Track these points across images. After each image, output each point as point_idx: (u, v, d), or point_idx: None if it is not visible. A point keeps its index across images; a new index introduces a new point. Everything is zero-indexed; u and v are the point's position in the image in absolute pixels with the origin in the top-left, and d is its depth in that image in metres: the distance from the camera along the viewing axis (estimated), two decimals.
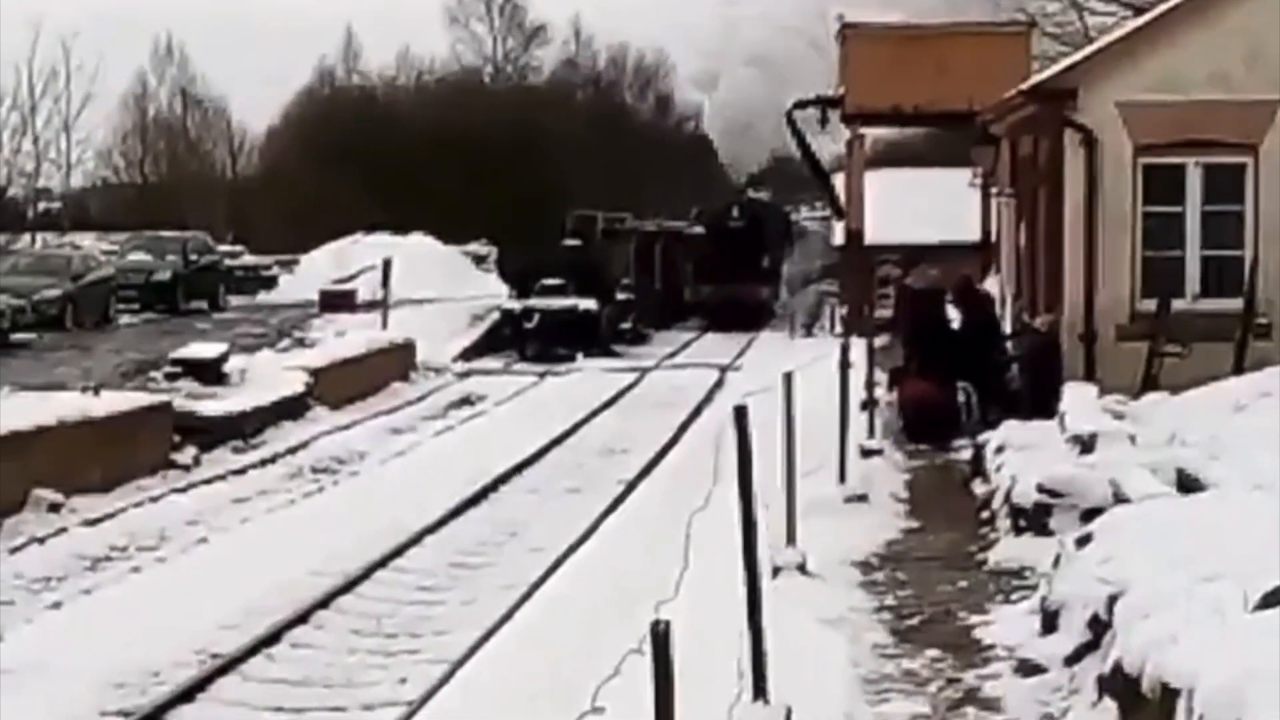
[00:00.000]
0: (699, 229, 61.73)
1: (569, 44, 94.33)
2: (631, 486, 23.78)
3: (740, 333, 53.00)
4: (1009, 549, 15.58)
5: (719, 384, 36.75)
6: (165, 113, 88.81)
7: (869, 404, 22.60)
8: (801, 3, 59.59)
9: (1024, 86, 26.14)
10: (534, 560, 19.16)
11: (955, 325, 25.88)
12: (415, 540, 20.57)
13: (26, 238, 68.77)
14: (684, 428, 29.90)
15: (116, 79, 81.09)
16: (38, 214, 76.78)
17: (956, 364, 24.00)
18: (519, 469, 25.91)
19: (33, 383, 28.72)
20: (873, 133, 47.67)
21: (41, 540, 20.23)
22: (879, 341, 26.47)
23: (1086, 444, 17.16)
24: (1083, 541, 12.13)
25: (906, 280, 25.51)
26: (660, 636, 7.06)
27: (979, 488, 18.60)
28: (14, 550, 19.73)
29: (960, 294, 26.18)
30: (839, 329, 39.01)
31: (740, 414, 10.26)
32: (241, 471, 25.77)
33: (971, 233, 39.87)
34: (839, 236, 48.47)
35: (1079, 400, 19.29)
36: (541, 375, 40.48)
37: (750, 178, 68.05)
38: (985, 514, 17.34)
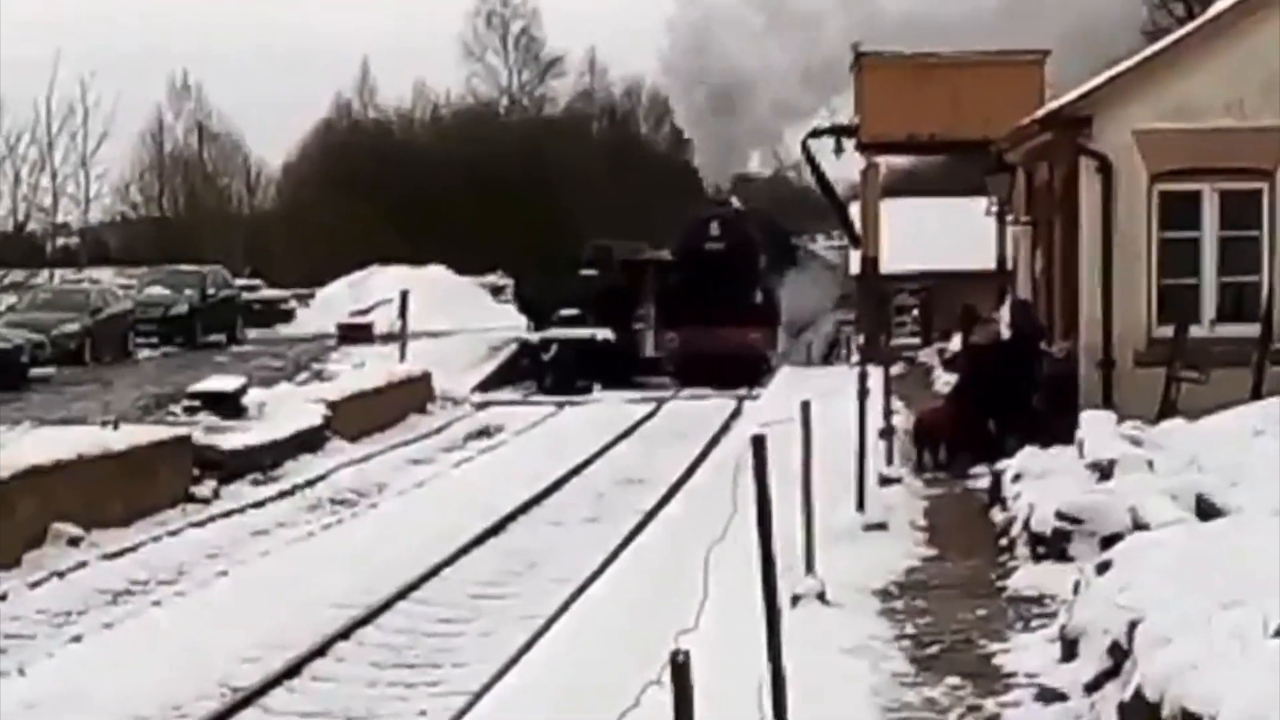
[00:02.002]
0: (665, 254, 49.46)
1: (584, 76, 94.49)
2: (650, 516, 23.78)
3: (719, 393, 41.37)
4: (1028, 576, 15.56)
5: (736, 413, 36.75)
6: (182, 147, 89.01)
7: (887, 432, 22.59)
8: None
9: (1039, 114, 26.16)
10: (553, 591, 19.17)
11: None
12: (434, 572, 20.59)
13: (45, 273, 68.92)
14: (702, 457, 29.89)
15: (134, 114, 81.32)
16: (56, 249, 76.97)
17: (993, 395, 23.75)
18: (538, 500, 25.93)
19: (52, 417, 28.81)
20: (888, 161, 47.64)
21: (62, 574, 20.28)
22: (895, 370, 26.43)
23: (1105, 470, 17.14)
24: (1102, 568, 12.12)
25: (972, 338, 25.21)
26: (680, 667, 7.07)
27: (998, 515, 18.58)
28: (34, 584, 19.78)
29: (1016, 317, 25.87)
30: (856, 358, 38.94)
31: (758, 443, 10.27)
32: (261, 504, 25.82)
33: (988, 261, 39.78)
34: (855, 265, 48.44)
35: (1097, 427, 19.26)
36: (560, 405, 40.53)
37: (737, 180, 58.44)
38: (1004, 541, 17.33)
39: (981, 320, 26.07)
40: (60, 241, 78.58)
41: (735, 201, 52.79)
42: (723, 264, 46.51)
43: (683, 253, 48.34)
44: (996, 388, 23.49)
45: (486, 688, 14.47)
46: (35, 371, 38.87)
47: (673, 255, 48.80)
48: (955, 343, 34.81)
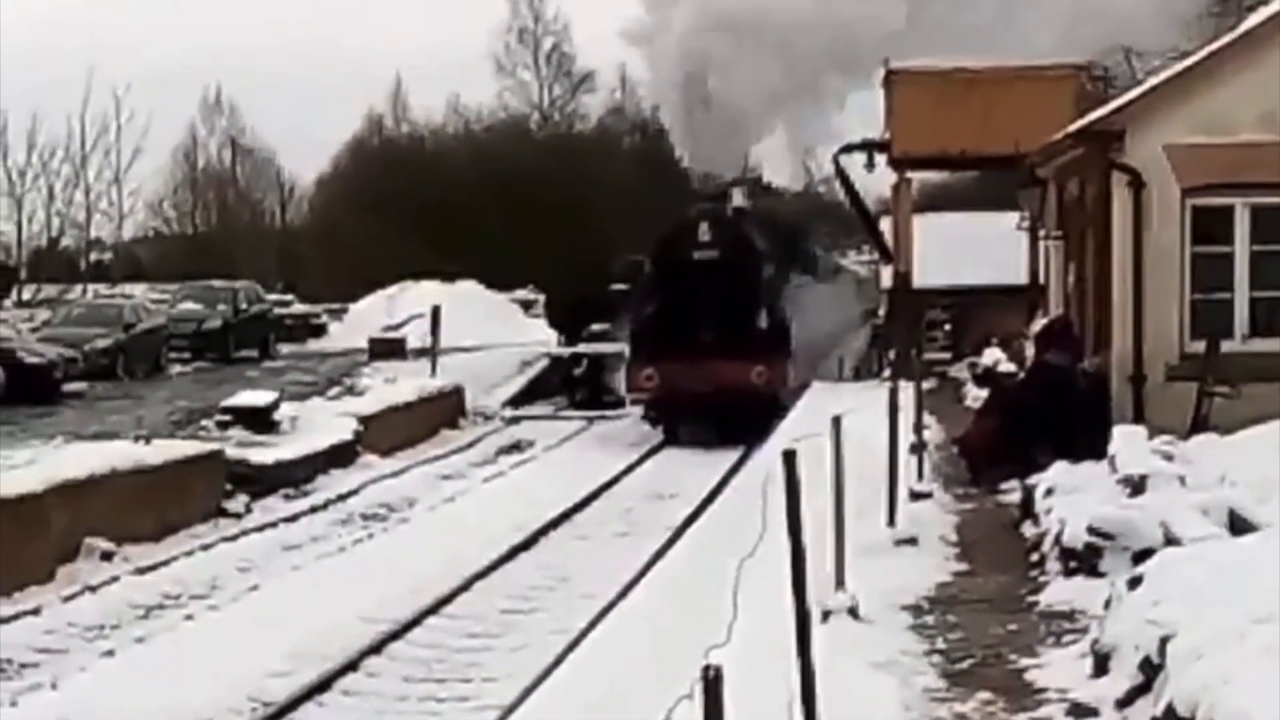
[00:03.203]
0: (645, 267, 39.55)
1: (615, 91, 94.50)
2: (680, 532, 23.79)
3: (706, 449, 34.15)
4: (1059, 591, 15.52)
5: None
6: (215, 163, 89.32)
7: (918, 447, 22.56)
8: None
9: (1071, 129, 26.12)
10: (584, 606, 19.19)
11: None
12: (465, 586, 20.62)
13: (79, 288, 69.16)
14: (733, 471, 29.89)
15: (167, 131, 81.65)
16: (90, 265, 77.29)
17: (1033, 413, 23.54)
18: (568, 515, 25.95)
19: (85, 432, 28.89)
20: (919, 176, 47.62)
21: (94, 588, 20.35)
22: (926, 385, 26.35)
23: (1136, 485, 17.09)
24: (1134, 583, 12.09)
25: (1046, 356, 24.91)
26: (711, 682, 7.07)
27: (1029, 530, 18.53)
28: (67, 598, 19.85)
29: (1054, 336, 25.72)
30: (887, 373, 38.90)
31: (789, 458, 10.27)
32: (292, 519, 25.87)
33: (1019, 276, 39.79)
34: (886, 280, 48.33)
35: (1129, 442, 19.22)
36: (590, 420, 40.53)
37: (762, 190, 52.97)
38: (1035, 556, 17.28)
39: (1055, 337, 25.58)
40: (94, 257, 78.93)
41: (738, 198, 42.44)
42: (716, 277, 36.48)
43: (663, 264, 37.90)
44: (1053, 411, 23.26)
45: (517, 703, 14.48)
46: (68, 386, 38.96)
47: (651, 267, 38.64)
48: (987, 357, 34.81)
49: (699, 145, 42.71)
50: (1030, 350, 27.24)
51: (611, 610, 18.28)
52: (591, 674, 14.67)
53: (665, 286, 37.52)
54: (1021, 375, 27.16)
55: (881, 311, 52.85)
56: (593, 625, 17.58)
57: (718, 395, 34.97)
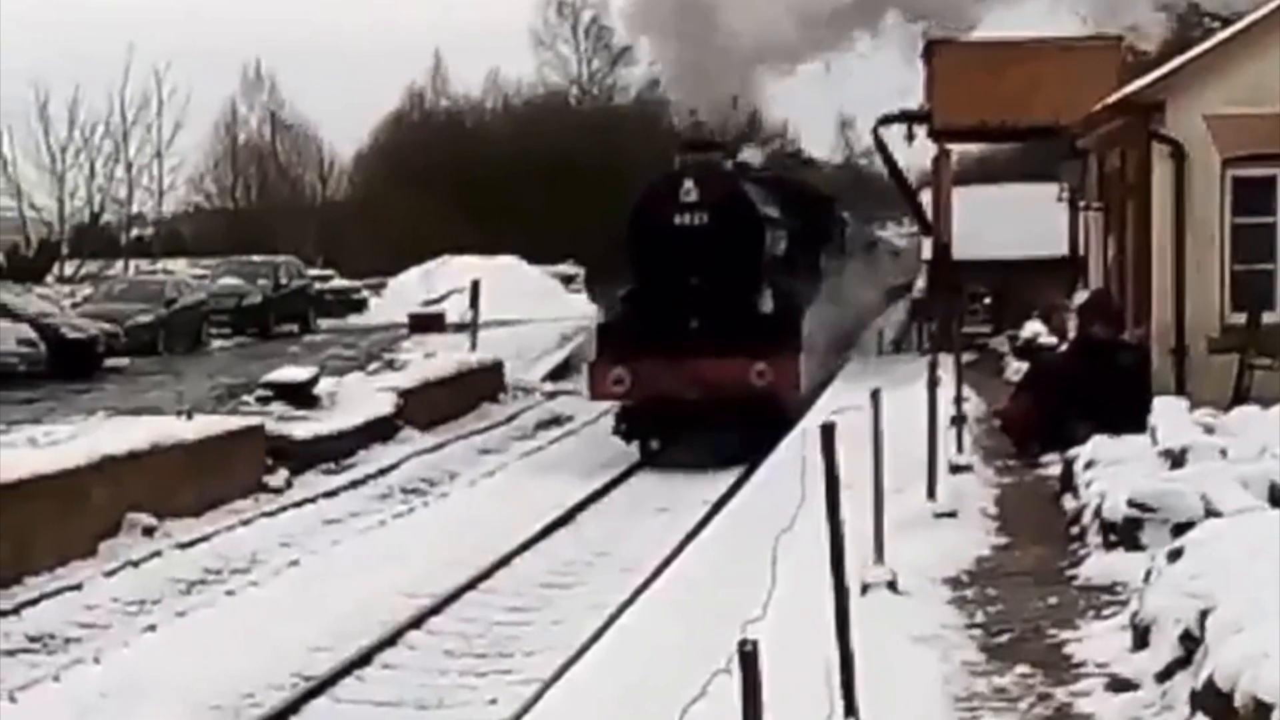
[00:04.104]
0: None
1: (654, 64, 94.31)
2: (718, 506, 23.77)
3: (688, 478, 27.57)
4: (1099, 564, 15.47)
5: (808, 403, 36.61)
6: (255, 138, 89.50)
7: (958, 420, 22.50)
8: None
9: (1111, 100, 26.04)
10: (622, 580, 19.20)
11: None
12: (505, 561, 20.65)
13: (120, 264, 69.38)
14: (772, 445, 29.84)
15: (207, 106, 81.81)
16: (131, 240, 77.46)
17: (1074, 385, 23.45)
18: (607, 489, 25.95)
19: (126, 407, 28.98)
20: (959, 148, 47.52)
21: (136, 563, 20.44)
22: (967, 357, 26.28)
23: (1177, 458, 17.03)
24: (1174, 556, 12.04)
25: (1093, 329, 24.74)
26: (748, 656, 7.05)
27: (1069, 503, 18.47)
28: (109, 573, 19.94)
29: (1098, 309, 25.63)
30: (926, 345, 38.82)
31: (827, 432, 10.25)
32: (332, 493, 25.94)
33: (1060, 247, 39.68)
34: (927, 252, 48.18)
35: (1169, 414, 19.15)
36: None
37: (800, 162, 50.10)
38: (1075, 529, 17.22)
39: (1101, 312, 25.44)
40: (135, 233, 79.10)
41: (747, 156, 37.92)
42: (704, 248, 29.82)
43: (637, 233, 30.90)
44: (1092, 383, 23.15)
45: (556, 676, 14.49)
46: (110, 362, 39.09)
47: (625, 238, 31.26)
48: (1027, 330, 34.63)
49: (690, 86, 34.77)
50: (1072, 323, 27.16)
51: (651, 584, 18.26)
52: (631, 648, 14.66)
53: (640, 262, 30.68)
54: (1063, 348, 27.05)
55: (920, 284, 52.47)
56: (632, 599, 17.58)
57: (707, 402, 28.41)
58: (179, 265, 66.18)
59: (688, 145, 32.21)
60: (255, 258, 56.96)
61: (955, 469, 20.66)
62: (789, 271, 32.73)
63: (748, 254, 30.44)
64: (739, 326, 29.31)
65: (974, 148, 58.77)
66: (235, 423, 26.76)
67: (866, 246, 53.01)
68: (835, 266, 39.92)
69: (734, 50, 34.72)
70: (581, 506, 24.63)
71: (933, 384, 19.03)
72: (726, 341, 28.87)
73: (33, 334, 36.97)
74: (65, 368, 36.15)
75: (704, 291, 29.80)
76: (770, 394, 29.17)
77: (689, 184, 30.21)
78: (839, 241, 41.73)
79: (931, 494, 18.32)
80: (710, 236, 29.92)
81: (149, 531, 21.89)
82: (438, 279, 58.47)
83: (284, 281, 54.03)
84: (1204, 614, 10.45)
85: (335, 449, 28.31)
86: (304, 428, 28.19)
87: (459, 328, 44.93)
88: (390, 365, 38.47)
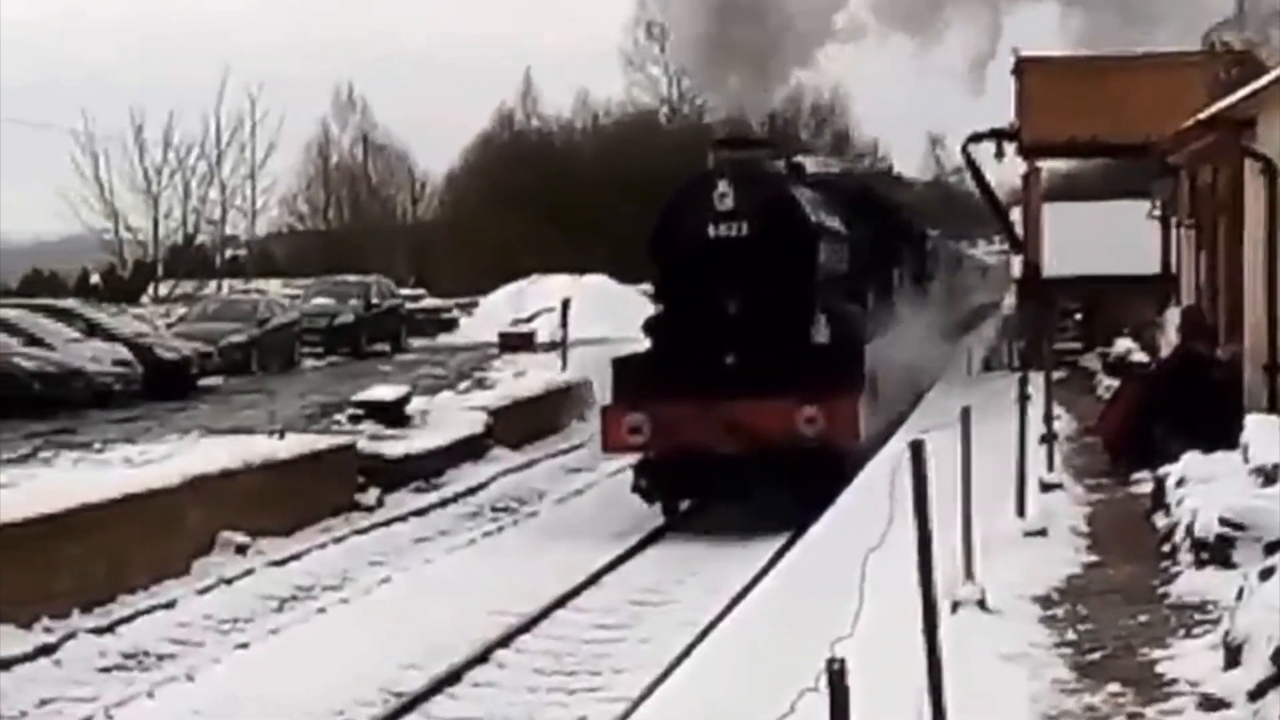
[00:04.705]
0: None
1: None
2: (805, 524, 23.70)
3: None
4: (1191, 582, 15.38)
5: (898, 420, 36.47)
6: (347, 159, 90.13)
7: (1048, 438, 22.41)
8: None
9: (1202, 116, 25.87)
10: (710, 599, 19.19)
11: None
12: (594, 579, 20.69)
13: (213, 284, 69.98)
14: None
15: (300, 128, 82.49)
16: (224, 261, 78.14)
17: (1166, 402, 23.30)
18: (697, 508, 25.94)
19: (220, 426, 29.21)
20: (1050, 165, 47.31)
21: (229, 581, 20.61)
22: (1057, 375, 26.17)
23: (1269, 476, 16.90)
24: (1266, 574, 11.97)
25: (1191, 345, 24.54)
26: (836, 674, 7.06)
27: (1160, 521, 18.36)
28: (203, 591, 20.11)
29: (1191, 326, 25.47)
30: (1017, 363, 38.62)
31: (917, 449, 10.24)
32: (423, 512, 26.06)
33: (1151, 264, 39.43)
34: (1017, 270, 47.93)
35: (1262, 431, 18.99)
36: None
37: (891, 180, 47.17)
38: (1166, 547, 17.12)
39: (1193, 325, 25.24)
40: (228, 253, 79.81)
41: (806, 163, 32.36)
42: (743, 267, 24.90)
43: (663, 247, 26.29)
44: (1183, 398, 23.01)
45: (645, 694, 14.52)
46: (203, 381, 39.44)
47: (649, 254, 27.08)
48: (1118, 347, 34.44)
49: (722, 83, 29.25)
50: (1165, 340, 27.03)
51: (739, 602, 18.26)
52: (719, 665, 14.68)
53: (666, 283, 26.58)
54: (1156, 364, 26.90)
55: (1010, 302, 52.08)
56: (720, 617, 17.59)
57: (744, 455, 23.69)
58: (272, 285, 66.73)
59: (724, 142, 26.87)
60: (347, 277, 57.33)
61: (1046, 487, 20.58)
62: (851, 293, 28.18)
63: (797, 272, 25.39)
64: (785, 362, 24.17)
65: (1064, 164, 58.40)
66: (327, 442, 26.94)
67: (952, 263, 50.29)
68: (913, 286, 35.67)
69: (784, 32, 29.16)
70: (671, 525, 24.62)
71: (1023, 400, 18.98)
72: (769, 380, 23.89)
73: (128, 354, 37.32)
74: (160, 387, 36.49)
75: (743, 319, 24.85)
76: (823, 444, 23.84)
77: (724, 187, 25.10)
78: (918, 257, 37.62)
79: (1021, 512, 18.25)
80: (751, 251, 24.91)
81: (242, 550, 22.07)
82: (528, 298, 58.69)
83: (375, 301, 54.32)
84: None
85: (426, 467, 28.46)
86: (395, 446, 28.34)
87: (549, 346, 45.06)
88: (480, 384, 38.62)
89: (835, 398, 23.97)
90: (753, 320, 24.85)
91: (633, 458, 25.36)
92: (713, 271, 25.04)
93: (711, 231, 25.13)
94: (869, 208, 31.46)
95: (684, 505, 25.35)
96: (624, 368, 25.41)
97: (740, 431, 23.69)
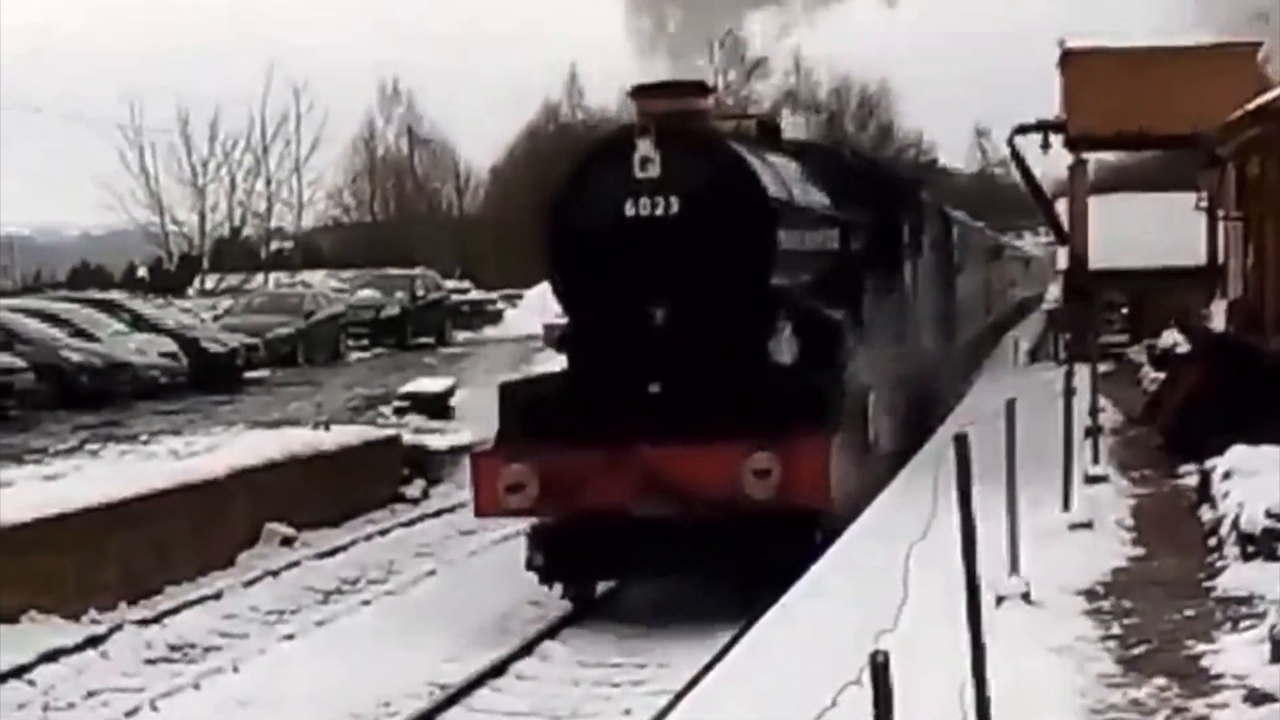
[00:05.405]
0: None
1: (789, 76, 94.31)
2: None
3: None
4: (1237, 576, 15.33)
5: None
6: (393, 153, 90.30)
7: (1094, 431, 22.36)
8: None
9: (1250, 107, 25.75)
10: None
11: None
12: None
13: (260, 277, 70.21)
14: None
15: (346, 121, 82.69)
16: (271, 254, 78.37)
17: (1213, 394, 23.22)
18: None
19: (265, 419, 29.31)
20: (1096, 157, 47.14)
21: (275, 573, 20.68)
22: (1103, 367, 26.09)
23: None
24: None
25: (1231, 336, 24.40)
26: (880, 667, 7.06)
27: (1206, 514, 18.31)
28: (248, 583, 20.19)
29: (1240, 317, 25.34)
30: (1063, 355, 38.49)
31: (961, 442, 10.23)
32: (468, 504, 26.07)
33: (1198, 256, 39.26)
34: (1062, 262, 47.77)
35: None
36: None
37: (935, 172, 44.76)
38: (1212, 541, 17.07)
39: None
40: (274, 246, 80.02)
41: (789, 126, 25.84)
42: (672, 260, 18.15)
43: (561, 234, 19.02)
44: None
45: (689, 687, 14.51)
46: (249, 374, 39.60)
47: (545, 242, 19.22)
48: (1165, 339, 34.30)
49: None
50: (1212, 331, 26.92)
51: (782, 594, 18.25)
52: (762, 657, 14.68)
53: (567, 280, 19.03)
54: (1203, 352, 26.77)
55: (1055, 294, 51.79)
56: (764, 610, 17.56)
57: (672, 521, 17.13)
58: (318, 278, 66.93)
59: (648, 89, 19.08)
60: (393, 271, 57.49)
61: (1091, 480, 20.53)
62: (837, 293, 20.60)
63: (751, 266, 18.29)
64: (730, 391, 17.64)
65: (1111, 156, 58.21)
66: (373, 434, 27.02)
67: (990, 253, 46.70)
68: (933, 282, 28.57)
69: None
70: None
71: (1068, 393, 18.95)
72: (708, 417, 17.28)
73: (175, 347, 37.51)
74: (206, 380, 36.68)
75: (673, 331, 18.00)
76: (779, 502, 17.10)
77: (647, 148, 17.93)
78: (942, 246, 30.86)
79: (1067, 505, 18.22)
80: (684, 236, 17.99)
81: (288, 542, 22.15)
82: None
83: (421, 294, 54.47)
84: None
85: None
86: (440, 439, 28.38)
87: None
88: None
89: (797, 441, 17.10)
90: (687, 333, 17.93)
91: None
92: (631, 265, 18.16)
93: (630, 209, 18.04)
94: (870, 184, 23.91)
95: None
96: (511, 399, 18.89)
97: (665, 489, 17.00)
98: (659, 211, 18.02)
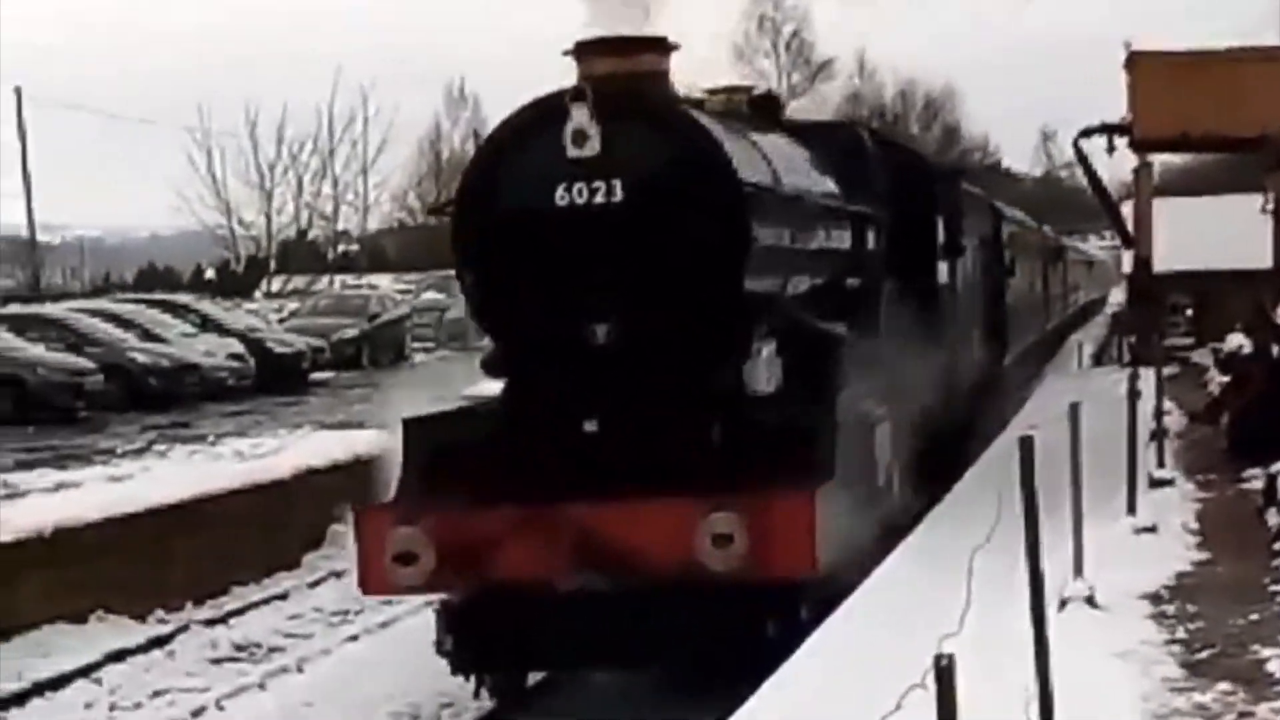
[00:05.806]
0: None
1: (854, 78, 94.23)
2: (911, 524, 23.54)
3: None
4: None
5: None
6: (459, 155, 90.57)
7: (1158, 434, 22.27)
8: None
9: None
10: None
11: None
12: None
13: (325, 279, 70.53)
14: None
15: (411, 124, 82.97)
16: (336, 256, 78.71)
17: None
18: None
19: (331, 421, 29.42)
20: (1162, 159, 46.92)
21: (339, 575, 20.73)
22: (1168, 371, 25.98)
23: None
24: None
25: None
26: (944, 671, 7.07)
27: (1272, 518, 18.23)
28: (313, 584, 20.30)
29: None
30: (1127, 358, 38.34)
31: (1026, 445, 10.22)
32: None
33: (1264, 260, 39.03)
34: (1127, 265, 47.57)
35: None
36: None
37: (998, 175, 44.09)
38: (1278, 545, 17.01)
39: None
40: (340, 248, 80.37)
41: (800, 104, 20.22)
42: (614, 258, 13.87)
43: (470, 227, 14.62)
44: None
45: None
46: (315, 375, 39.78)
47: (454, 238, 14.86)
48: (1230, 343, 34.12)
49: None
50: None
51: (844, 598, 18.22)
52: (823, 660, 14.68)
53: (479, 287, 14.85)
54: (1266, 357, 26.66)
55: (1120, 297, 51.50)
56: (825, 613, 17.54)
57: (611, 597, 13.30)
58: (383, 280, 67.20)
59: (589, 45, 14.94)
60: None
61: (1156, 483, 20.45)
62: (844, 302, 17.05)
63: (715, 269, 14.04)
64: (685, 429, 13.78)
65: (1177, 159, 57.94)
66: None
67: (1050, 255, 44.65)
68: (976, 287, 25.16)
69: None
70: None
71: (1132, 396, 18.88)
72: (656, 464, 13.46)
73: (241, 348, 37.72)
74: (272, 381, 36.89)
75: (616, 353, 13.94)
76: (746, 580, 13.04)
77: (582, 118, 13.86)
78: (987, 247, 27.29)
79: (1131, 509, 18.16)
80: (630, 232, 13.96)
81: None
82: None
83: None
84: None
85: None
86: None
87: None
88: None
89: (770, 496, 13.03)
90: (634, 355, 13.90)
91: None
92: (563, 268, 14.15)
93: (561, 196, 14.00)
94: (896, 172, 19.54)
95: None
96: (416, 439, 14.92)
97: (598, 558, 13.05)
98: (598, 199, 13.90)
